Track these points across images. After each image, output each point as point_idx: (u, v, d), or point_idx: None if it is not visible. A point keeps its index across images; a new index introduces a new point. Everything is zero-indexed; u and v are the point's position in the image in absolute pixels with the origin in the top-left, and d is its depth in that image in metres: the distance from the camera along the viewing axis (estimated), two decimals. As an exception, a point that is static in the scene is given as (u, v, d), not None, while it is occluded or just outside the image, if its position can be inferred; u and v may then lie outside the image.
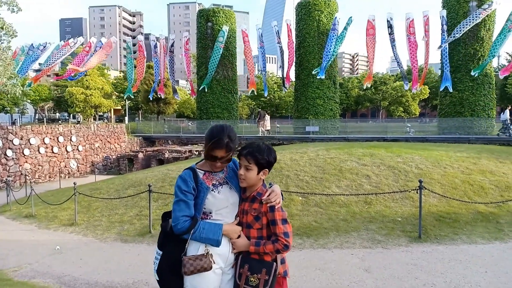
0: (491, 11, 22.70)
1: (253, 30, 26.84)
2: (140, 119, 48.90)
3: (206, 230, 2.23)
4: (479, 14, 21.98)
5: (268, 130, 28.55)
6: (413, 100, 58.84)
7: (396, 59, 22.52)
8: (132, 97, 36.98)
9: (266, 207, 2.28)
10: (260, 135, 26.83)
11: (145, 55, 30.41)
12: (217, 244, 2.24)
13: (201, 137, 30.68)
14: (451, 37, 22.29)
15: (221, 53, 28.29)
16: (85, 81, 34.71)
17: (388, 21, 22.15)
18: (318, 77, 25.66)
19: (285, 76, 28.56)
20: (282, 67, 27.46)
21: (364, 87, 31.32)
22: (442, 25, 22.42)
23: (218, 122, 27.96)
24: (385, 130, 29.32)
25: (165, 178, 10.33)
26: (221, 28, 29.54)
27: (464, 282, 4.60)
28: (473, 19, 22.02)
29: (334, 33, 23.96)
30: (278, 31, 26.48)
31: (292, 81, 34.70)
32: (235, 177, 2.40)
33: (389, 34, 21.84)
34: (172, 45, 29.43)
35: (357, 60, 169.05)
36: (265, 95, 30.66)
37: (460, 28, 22.03)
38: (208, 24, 32.76)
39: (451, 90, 23.84)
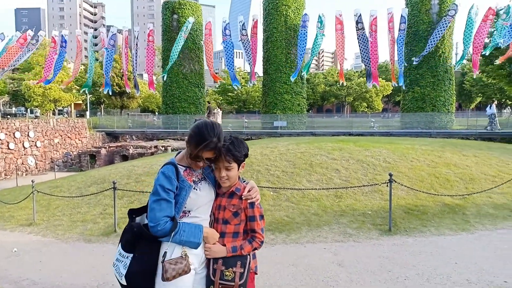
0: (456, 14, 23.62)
1: (220, 24, 26.36)
2: (102, 113, 47.32)
3: (186, 233, 2.09)
4: (448, 22, 22.94)
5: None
6: (376, 95, 60.43)
7: (362, 56, 22.67)
8: (88, 91, 35.64)
9: (246, 203, 2.23)
10: None
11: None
12: (196, 246, 2.13)
13: (167, 132, 30.02)
14: (426, 50, 23.33)
15: (182, 43, 27.24)
16: (43, 74, 33.04)
17: (358, 16, 22.28)
18: (292, 78, 25.68)
19: (251, 71, 28.32)
20: (249, 61, 27.16)
21: (340, 83, 31.73)
22: (400, 24, 22.94)
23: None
24: (351, 125, 29.92)
25: (130, 174, 9.94)
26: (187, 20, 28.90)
27: (436, 274, 4.64)
28: (443, 28, 22.95)
29: (304, 30, 23.92)
30: (243, 25, 26.14)
31: (259, 75, 34.51)
32: (211, 171, 2.28)
33: (357, 30, 22.02)
34: (136, 38, 28.48)
35: (323, 56, 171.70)
36: (239, 86, 30.00)
37: (433, 40, 23.04)
38: (173, 16, 32.10)
39: (403, 87, 25.02)
